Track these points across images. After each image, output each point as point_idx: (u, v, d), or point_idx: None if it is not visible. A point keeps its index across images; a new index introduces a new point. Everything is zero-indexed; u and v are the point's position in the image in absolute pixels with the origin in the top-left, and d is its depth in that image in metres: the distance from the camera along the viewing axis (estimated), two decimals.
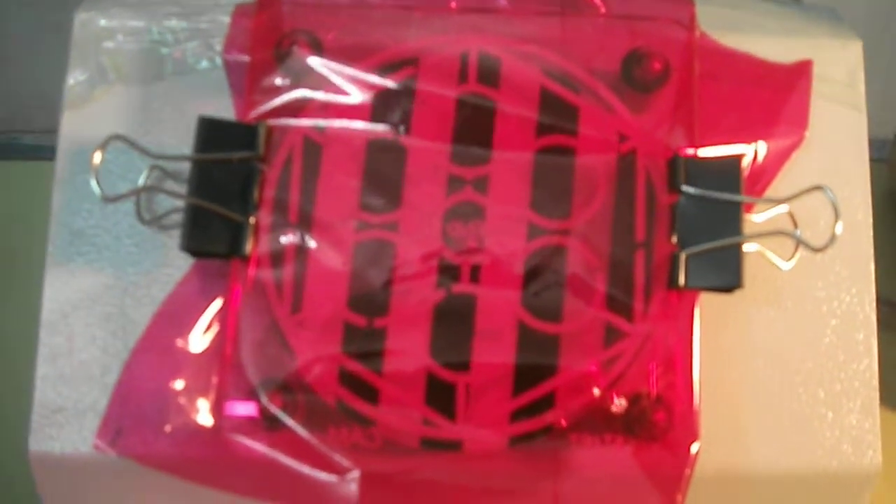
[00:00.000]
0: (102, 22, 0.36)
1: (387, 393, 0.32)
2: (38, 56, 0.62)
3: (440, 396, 0.32)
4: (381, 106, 0.33)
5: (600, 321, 0.32)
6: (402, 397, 0.31)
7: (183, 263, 0.34)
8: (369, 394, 0.32)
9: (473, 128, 0.33)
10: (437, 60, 0.33)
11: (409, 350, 0.32)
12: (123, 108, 0.35)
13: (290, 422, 0.31)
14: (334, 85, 0.33)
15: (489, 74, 0.33)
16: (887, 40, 0.64)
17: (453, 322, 0.32)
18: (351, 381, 0.32)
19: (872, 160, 0.37)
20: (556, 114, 0.33)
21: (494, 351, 0.32)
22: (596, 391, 0.32)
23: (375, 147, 0.33)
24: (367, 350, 0.32)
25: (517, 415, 0.32)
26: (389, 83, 0.33)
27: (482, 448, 0.32)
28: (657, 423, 0.32)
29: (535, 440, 0.32)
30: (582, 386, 0.32)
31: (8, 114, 0.63)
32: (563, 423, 0.32)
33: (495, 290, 0.32)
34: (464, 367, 0.32)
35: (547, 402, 0.32)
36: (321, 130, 0.33)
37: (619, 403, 0.32)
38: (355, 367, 0.32)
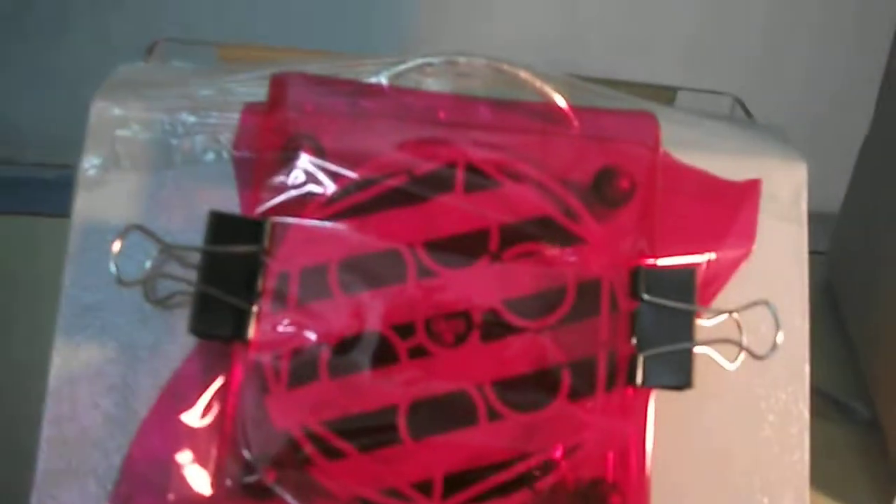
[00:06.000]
0: (117, 111, 0.39)
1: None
2: None
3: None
4: (374, 207, 0.37)
5: (566, 412, 0.36)
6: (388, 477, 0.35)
7: (184, 341, 0.36)
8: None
9: (459, 234, 0.36)
10: (428, 170, 0.37)
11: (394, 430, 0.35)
12: (134, 193, 0.38)
13: (283, 494, 0.34)
14: (334, 187, 0.37)
15: (475, 186, 0.37)
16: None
17: (430, 406, 0.35)
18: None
19: (810, 253, 0.40)
20: (536, 226, 0.37)
21: (470, 435, 0.35)
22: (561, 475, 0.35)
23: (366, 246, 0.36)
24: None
25: (493, 493, 0.35)
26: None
27: None
28: None
29: None
30: (549, 469, 0.35)
31: None
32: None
33: (471, 380, 0.36)
34: (439, 447, 0.35)
35: (518, 483, 0.35)
36: (320, 227, 0.36)
37: (579, 487, 0.36)
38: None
